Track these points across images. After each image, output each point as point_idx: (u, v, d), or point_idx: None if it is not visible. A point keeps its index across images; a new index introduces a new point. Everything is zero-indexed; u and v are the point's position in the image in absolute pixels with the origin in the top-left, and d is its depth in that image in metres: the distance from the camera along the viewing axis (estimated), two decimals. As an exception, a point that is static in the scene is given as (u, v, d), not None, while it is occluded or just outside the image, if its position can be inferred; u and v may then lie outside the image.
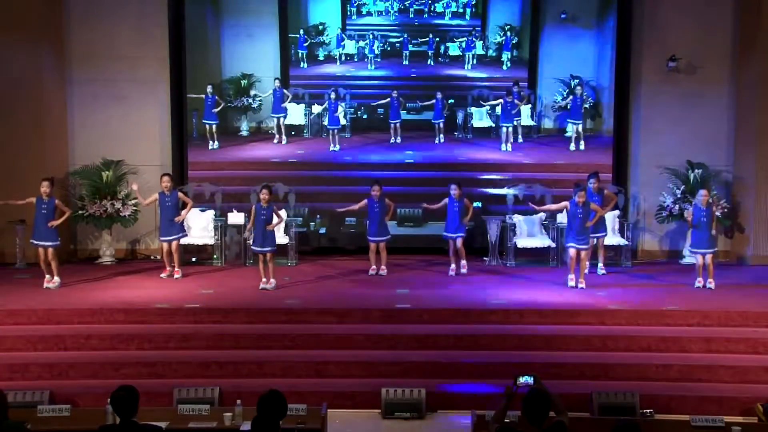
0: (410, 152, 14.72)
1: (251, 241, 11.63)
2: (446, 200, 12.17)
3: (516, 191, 13.59)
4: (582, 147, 14.52)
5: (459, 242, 12.12)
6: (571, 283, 11.29)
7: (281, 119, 14.68)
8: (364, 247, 12.58)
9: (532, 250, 13.04)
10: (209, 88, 14.29)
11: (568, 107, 14.57)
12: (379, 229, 12.16)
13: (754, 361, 9.20)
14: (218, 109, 14.42)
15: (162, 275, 11.86)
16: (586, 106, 14.59)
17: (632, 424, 5.19)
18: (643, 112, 13.81)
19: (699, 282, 11.29)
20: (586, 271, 11.55)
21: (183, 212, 11.91)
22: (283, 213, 13.06)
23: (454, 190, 12.05)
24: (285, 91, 14.60)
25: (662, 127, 13.70)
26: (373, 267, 12.22)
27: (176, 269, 11.91)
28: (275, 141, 14.69)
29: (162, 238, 11.92)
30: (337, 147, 14.60)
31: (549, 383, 5.98)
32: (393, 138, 14.72)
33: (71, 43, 13.50)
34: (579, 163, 14.24)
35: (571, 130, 14.58)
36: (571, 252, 11.34)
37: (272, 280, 11.17)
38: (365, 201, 12.13)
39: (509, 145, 14.59)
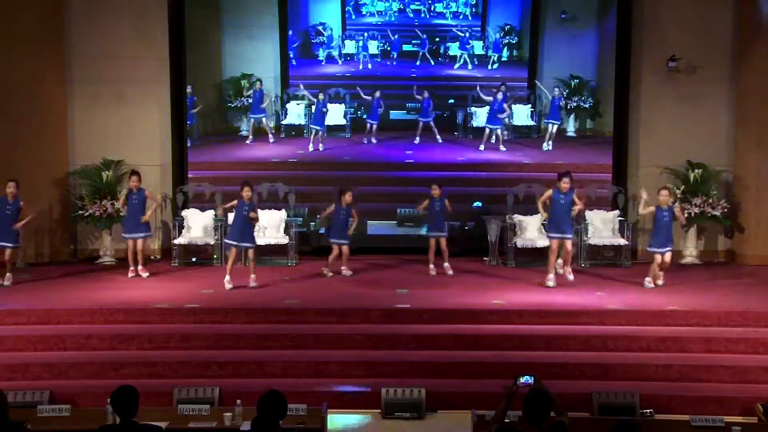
0: (410, 152, 14.73)
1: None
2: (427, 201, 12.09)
3: (516, 191, 13.62)
4: (549, 148, 14.55)
5: (443, 242, 12.09)
6: (550, 283, 11.18)
7: (263, 119, 14.66)
8: (363, 248, 12.59)
9: (532, 250, 13.03)
10: (189, 89, 14.25)
11: (570, 107, 14.61)
12: (342, 234, 12.07)
13: (754, 361, 9.20)
14: (195, 110, 14.41)
15: (130, 275, 11.80)
16: (585, 106, 14.59)
17: (632, 424, 5.19)
18: (643, 112, 13.80)
19: (649, 282, 11.23)
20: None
21: (148, 212, 11.89)
22: (283, 213, 13.10)
23: (434, 190, 11.98)
24: (265, 92, 14.59)
25: (662, 127, 13.69)
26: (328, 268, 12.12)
27: (141, 268, 11.87)
28: (247, 141, 14.72)
29: (126, 235, 11.90)
30: (321, 147, 14.59)
31: (549, 383, 5.98)
32: (367, 139, 14.72)
33: (71, 43, 13.49)
34: (579, 163, 14.25)
35: (551, 128, 14.61)
36: (553, 244, 11.22)
37: (253, 276, 11.20)
38: (333, 207, 12.03)
39: (502, 145, 14.59)
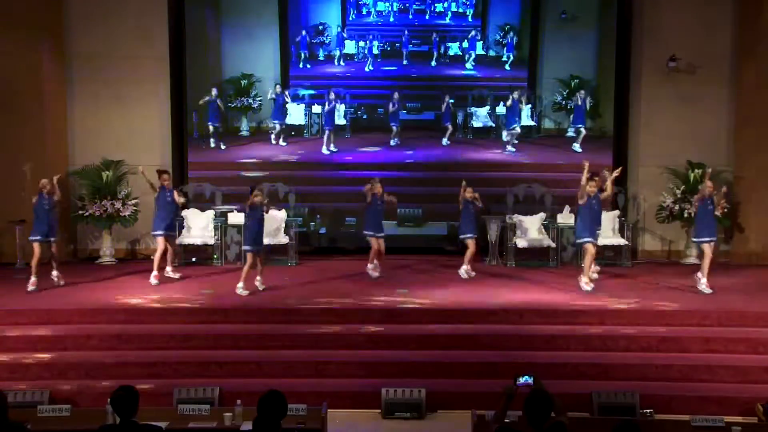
0: (410, 152, 14.73)
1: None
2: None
3: (517, 191, 13.64)
4: (578, 149, 14.53)
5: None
6: (588, 288, 10.92)
7: (281, 125, 14.68)
8: (363, 247, 12.55)
9: (532, 250, 13.03)
10: (214, 92, 14.28)
11: (570, 107, 14.59)
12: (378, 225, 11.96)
13: (754, 361, 9.20)
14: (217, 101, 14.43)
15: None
16: (586, 107, 14.59)
17: (632, 424, 5.19)
18: (643, 112, 13.81)
19: (705, 285, 10.98)
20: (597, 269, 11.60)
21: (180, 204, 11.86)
22: (282, 213, 13.11)
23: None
24: (286, 96, 14.58)
25: (662, 127, 13.70)
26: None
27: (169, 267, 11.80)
28: (273, 142, 14.66)
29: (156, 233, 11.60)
30: (333, 147, 14.62)
31: (549, 383, 5.98)
32: (392, 140, 14.71)
33: (71, 43, 13.51)
34: (579, 163, 14.20)
35: (573, 132, 14.59)
36: (591, 248, 10.93)
37: (259, 278, 11.10)
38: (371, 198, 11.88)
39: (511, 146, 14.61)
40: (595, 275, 11.48)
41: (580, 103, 14.39)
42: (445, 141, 14.72)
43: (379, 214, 11.84)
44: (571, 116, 14.64)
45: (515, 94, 14.41)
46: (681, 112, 13.69)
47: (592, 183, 10.94)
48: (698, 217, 11.20)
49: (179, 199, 11.79)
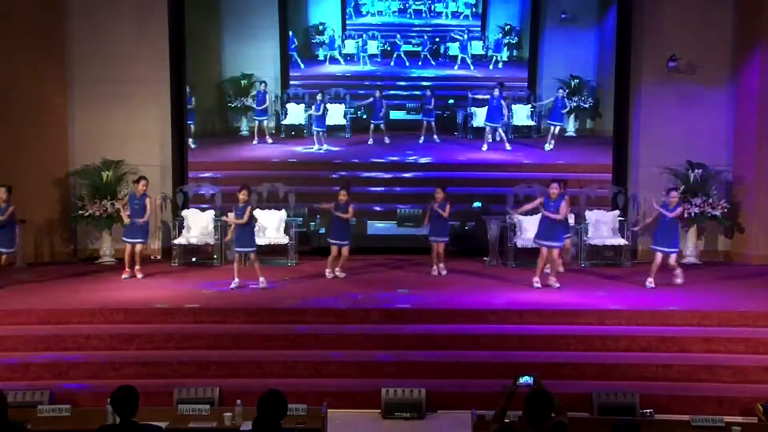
0: (410, 152, 14.73)
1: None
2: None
3: (516, 191, 13.64)
4: (551, 147, 14.51)
5: (441, 246, 12.08)
6: (537, 285, 11.18)
7: (265, 122, 14.67)
8: (363, 248, 12.59)
9: (532, 250, 13.01)
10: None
11: (570, 108, 14.60)
12: (342, 234, 12.01)
13: (754, 361, 9.20)
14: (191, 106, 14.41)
15: (124, 276, 11.75)
16: (585, 106, 14.58)
17: (632, 424, 5.19)
18: (643, 112, 13.81)
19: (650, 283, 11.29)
20: (561, 269, 11.69)
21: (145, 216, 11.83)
22: (283, 213, 13.09)
23: (437, 194, 11.98)
24: (267, 94, 14.59)
25: (662, 127, 13.71)
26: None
27: (138, 269, 11.81)
28: (254, 142, 14.65)
29: (125, 239, 11.84)
30: (324, 146, 14.62)
31: (549, 383, 5.98)
32: (371, 139, 14.70)
33: (71, 43, 13.51)
34: (579, 163, 14.26)
35: (553, 130, 14.60)
36: (542, 251, 11.23)
37: (262, 279, 11.16)
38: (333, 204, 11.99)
39: (507, 144, 14.59)
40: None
41: (560, 99, 14.38)
42: (435, 138, 14.71)
43: (342, 222, 11.88)
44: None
45: (495, 91, 14.40)
46: (681, 112, 13.70)
47: (554, 186, 11.09)
48: (657, 225, 11.34)
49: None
